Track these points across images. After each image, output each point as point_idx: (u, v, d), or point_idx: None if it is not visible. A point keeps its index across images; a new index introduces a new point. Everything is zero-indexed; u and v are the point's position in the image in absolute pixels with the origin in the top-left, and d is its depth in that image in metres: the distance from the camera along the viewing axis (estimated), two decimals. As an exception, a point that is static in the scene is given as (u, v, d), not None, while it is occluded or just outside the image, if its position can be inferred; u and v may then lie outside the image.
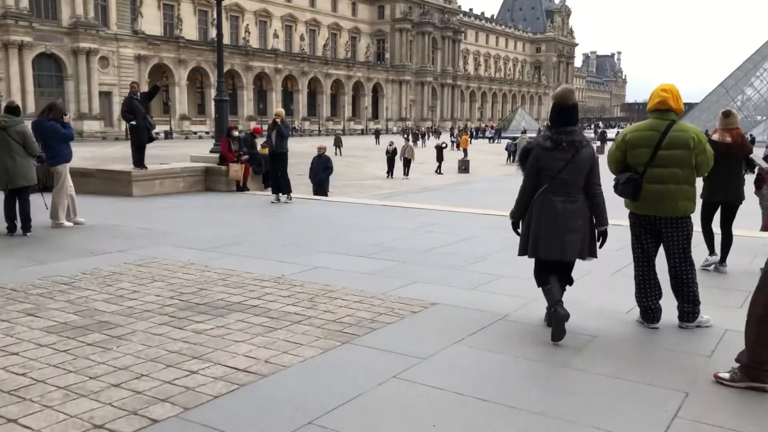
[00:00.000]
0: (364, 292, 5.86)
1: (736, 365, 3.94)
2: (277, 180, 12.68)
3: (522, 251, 4.84)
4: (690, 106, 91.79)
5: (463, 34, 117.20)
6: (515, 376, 4.06)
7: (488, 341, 4.65)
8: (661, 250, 4.96)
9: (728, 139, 6.88)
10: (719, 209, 7.14)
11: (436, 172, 29.74)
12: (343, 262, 7.15)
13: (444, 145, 32.81)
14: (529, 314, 5.28)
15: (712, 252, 7.11)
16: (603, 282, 6.43)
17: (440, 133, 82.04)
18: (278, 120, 12.38)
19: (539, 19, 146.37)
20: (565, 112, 4.69)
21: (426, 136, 65.92)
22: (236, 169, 14.07)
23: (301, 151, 27.86)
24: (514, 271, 6.55)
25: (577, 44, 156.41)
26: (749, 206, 8.05)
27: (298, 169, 18.38)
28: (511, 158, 38.07)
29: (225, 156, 14.26)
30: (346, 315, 5.17)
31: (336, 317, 5.11)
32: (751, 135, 41.30)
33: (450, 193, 21.38)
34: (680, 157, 4.74)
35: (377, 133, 62.37)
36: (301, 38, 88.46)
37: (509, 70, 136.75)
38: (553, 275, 4.73)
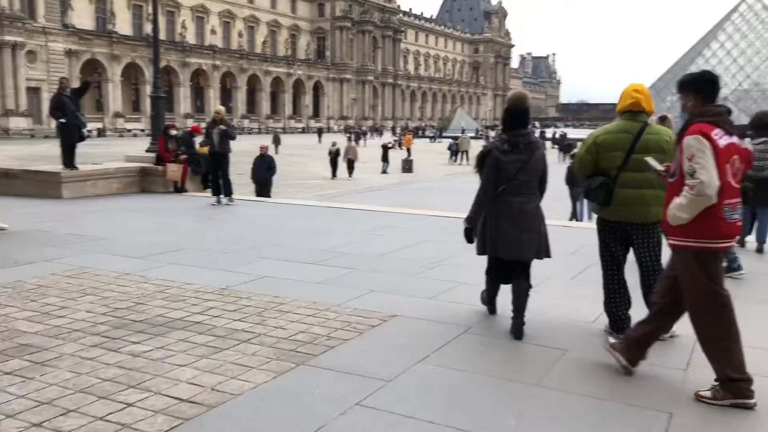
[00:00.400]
0: (318, 304, 5.46)
1: (716, 383, 3.74)
2: (217, 181, 12.11)
3: (481, 250, 4.94)
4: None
5: (403, 34, 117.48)
6: (489, 400, 3.74)
7: (455, 358, 4.33)
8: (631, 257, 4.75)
9: None
10: None
11: (382, 172, 29.45)
12: (291, 270, 6.73)
13: (390, 145, 32.54)
14: (492, 325, 5.00)
15: None
16: (563, 288, 6.21)
17: (382, 132, 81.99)
18: (218, 118, 11.80)
19: (477, 20, 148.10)
20: (519, 116, 4.83)
21: (368, 135, 65.58)
22: (174, 170, 13.40)
23: (241, 150, 27.01)
24: (472, 277, 6.25)
25: (513, 45, 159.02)
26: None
27: (238, 169, 17.72)
28: (454, 158, 38.19)
29: (162, 155, 13.58)
30: (299, 331, 4.76)
31: (288, 334, 4.70)
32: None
33: (395, 193, 21.12)
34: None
35: (320, 132, 61.58)
36: (240, 35, 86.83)
37: (448, 70, 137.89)
38: (516, 279, 4.79)
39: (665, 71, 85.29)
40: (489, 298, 5.23)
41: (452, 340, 4.65)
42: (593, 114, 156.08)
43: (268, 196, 15.37)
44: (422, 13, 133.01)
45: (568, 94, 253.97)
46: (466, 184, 25.53)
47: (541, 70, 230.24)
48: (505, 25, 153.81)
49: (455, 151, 38.13)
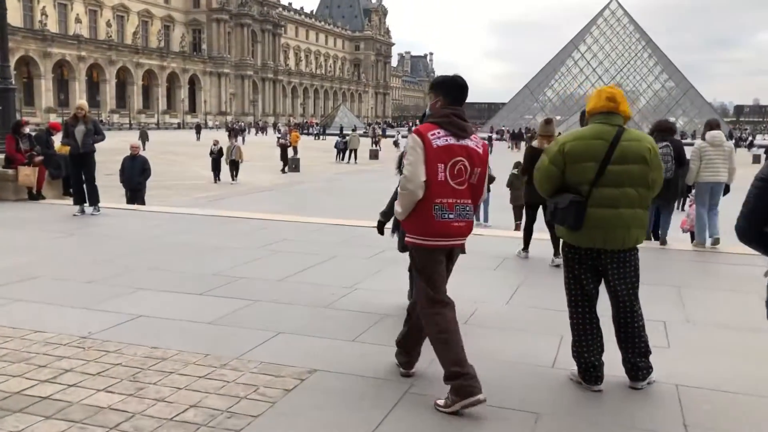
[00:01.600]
0: (211, 357, 4.25)
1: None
2: (81, 187, 10.39)
3: (404, 248, 4.41)
4: (499, 106, 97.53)
5: (283, 28, 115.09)
6: None
7: (402, 437, 3.29)
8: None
9: (546, 146, 7.32)
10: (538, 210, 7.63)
11: (282, 171, 28.02)
12: (175, 306, 5.43)
13: (288, 144, 30.92)
14: (436, 376, 3.98)
15: (526, 248, 7.71)
16: (505, 318, 5.33)
17: (265, 129, 79.62)
18: (81, 114, 10.08)
19: (357, 18, 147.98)
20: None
21: (247, 132, 62.69)
22: (27, 174, 11.46)
23: (110, 148, 24.61)
24: (396, 306, 5.27)
25: (393, 44, 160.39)
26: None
27: (106, 168, 15.85)
28: (341, 156, 37.20)
29: (12, 157, 11.59)
30: (188, 405, 3.54)
31: (174, 411, 3.47)
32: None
33: (285, 195, 19.83)
34: (634, 173, 3.70)
35: (198, 128, 57.93)
36: (108, 24, 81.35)
37: (330, 66, 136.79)
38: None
39: (538, 72, 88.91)
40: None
41: (394, 406, 3.61)
42: (468, 113, 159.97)
43: (143, 202, 13.66)
44: (302, 8, 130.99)
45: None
46: (359, 183, 24.53)
47: (419, 68, 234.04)
48: (386, 23, 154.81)
49: (342, 149, 37.18)
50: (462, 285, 4.78)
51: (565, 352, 4.14)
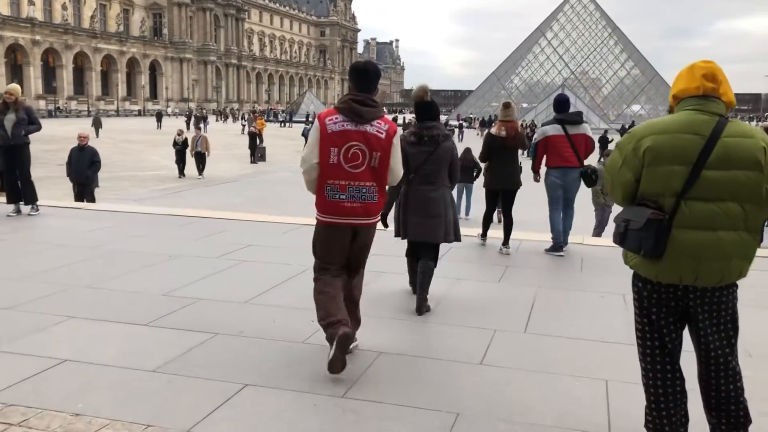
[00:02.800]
0: (154, 430, 3.13)
1: None
2: (14, 183, 9.09)
3: (396, 233, 5.41)
4: (465, 93, 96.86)
5: (246, 13, 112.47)
6: None
7: None
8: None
9: (503, 133, 7.52)
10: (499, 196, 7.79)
11: (251, 161, 26.74)
12: (111, 343, 4.29)
13: (258, 132, 29.51)
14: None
15: (484, 235, 7.93)
16: (528, 353, 4.31)
17: (228, 116, 77.50)
18: (10, 99, 8.74)
19: (322, 3, 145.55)
20: (423, 109, 5.29)
21: (207, 121, 58.76)
22: (-44, 168, 10.08)
23: (64, 136, 23.11)
24: (396, 341, 4.22)
25: (359, 30, 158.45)
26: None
27: (58, 158, 14.46)
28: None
29: (-62, 149, 10.18)
30: None
31: None
32: (532, 124, 43.30)
33: (249, 187, 18.60)
34: (741, 182, 2.67)
35: (159, 115, 55.56)
36: (64, 7, 78.21)
37: (295, 52, 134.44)
38: (422, 259, 5.18)
39: (505, 59, 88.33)
40: (411, 278, 5.58)
41: None
42: (436, 100, 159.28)
43: (92, 198, 12.35)
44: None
45: (411, 80, 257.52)
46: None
47: (385, 55, 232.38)
48: (351, 9, 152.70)
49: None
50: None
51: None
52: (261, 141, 29.81)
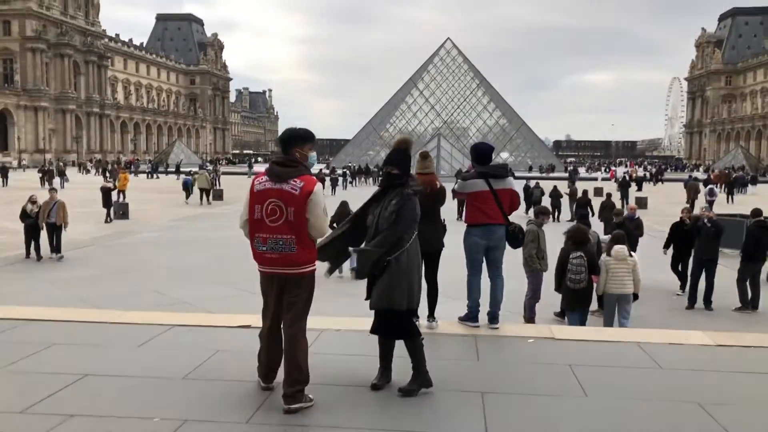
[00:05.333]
0: None
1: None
2: None
3: (398, 304, 4.65)
4: (344, 142, 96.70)
5: (110, 60, 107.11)
6: None
7: None
8: None
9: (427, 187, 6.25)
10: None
11: (105, 221, 23.22)
12: None
13: (113, 188, 26.04)
14: None
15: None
16: None
17: (89, 169, 72.07)
18: None
19: (192, 51, 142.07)
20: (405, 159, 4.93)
21: (65, 175, 51.56)
22: None
23: None
24: None
25: (231, 78, 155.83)
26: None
27: None
28: (188, 197, 33.13)
29: None
30: None
31: None
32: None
33: (107, 252, 16.03)
34: None
35: (4, 171, 45.20)
36: None
37: (163, 100, 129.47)
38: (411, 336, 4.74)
39: (380, 109, 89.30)
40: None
41: None
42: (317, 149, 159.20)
43: None
44: (131, 40, 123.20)
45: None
46: (198, 232, 21.08)
47: (258, 104, 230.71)
48: (222, 58, 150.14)
49: (188, 187, 33.52)
50: None
51: None
52: (123, 197, 26.96)
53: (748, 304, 11.27)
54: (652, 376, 5.12)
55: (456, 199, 6.94)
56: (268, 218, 4.29)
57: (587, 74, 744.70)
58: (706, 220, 11.60)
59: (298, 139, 4.45)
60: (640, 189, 40.74)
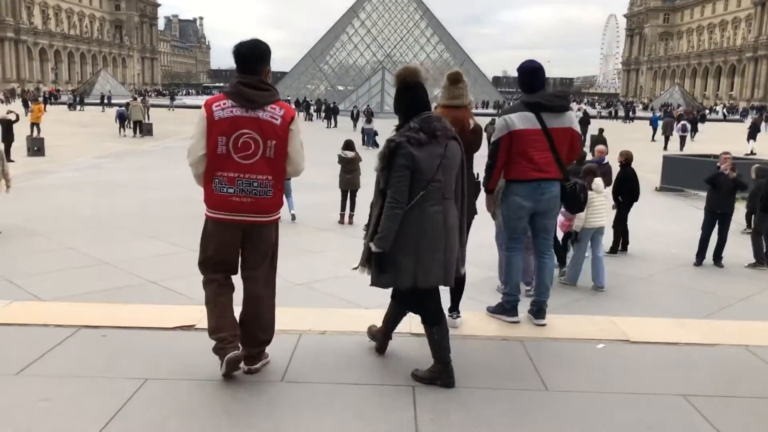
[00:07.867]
0: None
1: None
2: None
3: (390, 282, 3.70)
4: (282, 74, 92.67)
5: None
6: None
7: None
8: None
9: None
10: None
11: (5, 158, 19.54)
12: None
13: (14, 119, 21.42)
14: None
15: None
16: None
17: (1, 99, 66.33)
18: None
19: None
20: (420, 95, 3.73)
21: None
22: None
23: None
24: None
25: (159, 5, 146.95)
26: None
27: None
28: (123, 129, 30.18)
29: None
30: None
31: None
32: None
33: (14, 197, 13.34)
34: None
35: None
36: None
37: (86, 27, 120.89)
38: (433, 316, 3.75)
39: (319, 39, 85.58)
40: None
41: None
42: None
43: None
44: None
45: (218, 60, 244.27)
46: (126, 172, 18.38)
47: (189, 33, 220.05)
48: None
49: (128, 117, 30.70)
50: None
51: None
52: (38, 131, 23.90)
53: (764, 259, 10.05)
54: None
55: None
56: (238, 154, 3.53)
57: (523, 9, 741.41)
58: (728, 173, 10.21)
59: (268, 56, 3.63)
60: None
